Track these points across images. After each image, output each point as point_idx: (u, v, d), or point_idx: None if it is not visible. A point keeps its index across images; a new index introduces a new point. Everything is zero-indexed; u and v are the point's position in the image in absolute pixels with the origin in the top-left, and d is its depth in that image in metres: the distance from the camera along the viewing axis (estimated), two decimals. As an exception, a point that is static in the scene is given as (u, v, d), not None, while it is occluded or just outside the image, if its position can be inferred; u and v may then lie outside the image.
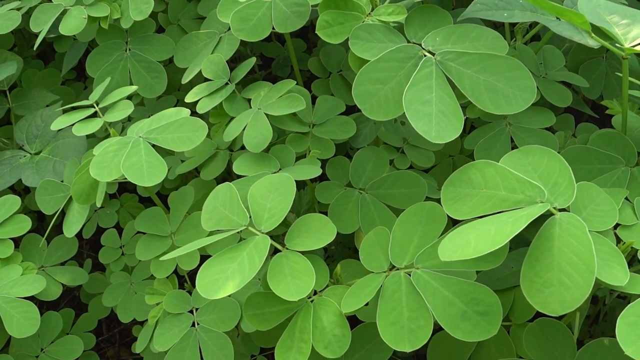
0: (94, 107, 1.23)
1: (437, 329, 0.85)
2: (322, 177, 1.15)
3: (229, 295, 0.86)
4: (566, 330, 0.94)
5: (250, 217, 0.94)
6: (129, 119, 1.45)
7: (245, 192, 0.97)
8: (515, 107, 0.89)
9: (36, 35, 1.35)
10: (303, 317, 0.92)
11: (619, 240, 0.89)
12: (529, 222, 0.74)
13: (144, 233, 1.23)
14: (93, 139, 1.42)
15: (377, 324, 0.85)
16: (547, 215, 0.79)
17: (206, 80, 1.23)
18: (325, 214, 1.08)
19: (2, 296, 1.17)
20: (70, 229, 1.22)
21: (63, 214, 1.26)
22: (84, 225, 1.33)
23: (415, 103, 0.88)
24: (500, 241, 0.73)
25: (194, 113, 1.14)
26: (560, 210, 0.81)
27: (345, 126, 1.20)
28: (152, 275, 1.21)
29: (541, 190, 0.82)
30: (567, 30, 0.97)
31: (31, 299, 1.19)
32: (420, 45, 0.96)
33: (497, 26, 1.54)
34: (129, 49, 1.43)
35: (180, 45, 1.39)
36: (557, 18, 0.99)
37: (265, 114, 1.13)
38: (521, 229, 0.73)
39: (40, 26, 1.36)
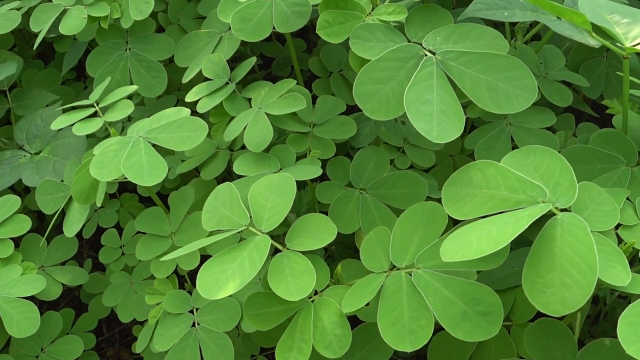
0: (94, 107, 1.23)
1: (438, 328, 0.85)
2: (323, 177, 1.14)
3: (230, 295, 0.86)
4: (567, 330, 0.94)
5: (250, 217, 0.94)
6: (129, 119, 1.45)
7: (246, 192, 0.97)
8: (516, 106, 0.89)
9: (36, 35, 1.35)
10: (304, 317, 0.92)
11: (620, 240, 0.89)
12: (530, 222, 0.74)
13: (144, 233, 1.23)
14: (93, 139, 1.42)
15: (378, 324, 0.85)
16: (548, 215, 0.79)
17: (206, 79, 1.23)
18: (326, 213, 1.08)
19: (2, 296, 1.17)
20: (71, 228, 1.21)
21: (63, 213, 1.26)
22: (84, 225, 1.33)
23: (416, 103, 0.88)
24: (502, 242, 0.72)
25: (194, 112, 1.14)
26: (562, 210, 0.81)
27: (345, 126, 1.20)
28: (152, 275, 1.21)
29: (542, 190, 0.82)
30: (567, 29, 0.97)
31: (31, 298, 1.19)
32: (421, 44, 0.96)
33: (497, 25, 1.53)
34: (129, 49, 1.43)
35: (180, 44, 1.39)
36: (558, 17, 0.99)
37: (266, 113, 1.13)
38: (523, 230, 0.73)
39: (40, 26, 1.36)
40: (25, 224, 1.28)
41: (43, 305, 1.57)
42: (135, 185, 1.27)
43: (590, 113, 1.42)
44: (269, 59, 1.74)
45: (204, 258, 1.01)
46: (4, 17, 1.39)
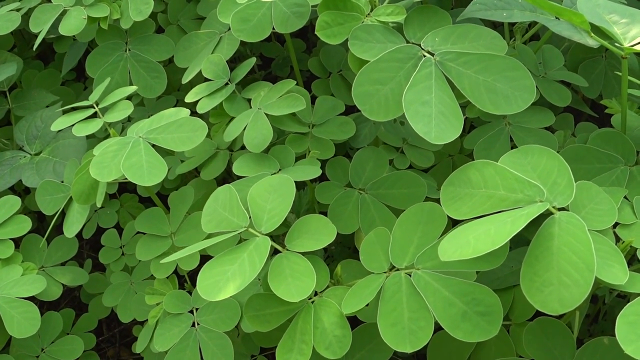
0: (94, 108, 1.23)
1: (437, 328, 0.85)
2: (322, 178, 1.15)
3: (230, 296, 0.86)
4: (566, 329, 0.95)
5: (250, 218, 0.94)
6: (129, 119, 1.45)
7: (245, 193, 0.97)
8: (514, 107, 0.90)
9: (36, 36, 1.35)
10: (304, 318, 0.92)
11: (618, 239, 0.89)
12: (528, 221, 0.75)
13: (144, 233, 1.23)
14: (93, 140, 1.42)
15: (378, 325, 0.85)
16: (546, 214, 0.79)
17: (206, 80, 1.23)
18: (325, 214, 1.09)
19: (3, 296, 1.18)
20: (71, 229, 1.22)
21: (63, 214, 1.26)
22: (84, 226, 1.33)
23: (414, 104, 0.88)
24: (499, 241, 0.73)
25: (194, 113, 1.15)
26: (560, 209, 0.81)
27: (344, 126, 1.20)
28: (152, 275, 1.21)
29: (540, 189, 0.82)
30: (566, 29, 0.97)
31: (31, 299, 1.19)
32: (419, 45, 0.96)
33: (496, 26, 1.54)
34: (129, 49, 1.43)
35: (180, 45, 1.39)
36: (556, 17, 0.99)
37: (266, 114, 1.14)
38: (520, 229, 0.73)
39: (40, 27, 1.36)
40: (25, 224, 1.28)
41: (43, 306, 1.57)
42: (135, 185, 1.27)
43: (589, 113, 1.43)
44: (268, 59, 1.74)
45: (204, 258, 1.01)
46: (4, 18, 1.39)
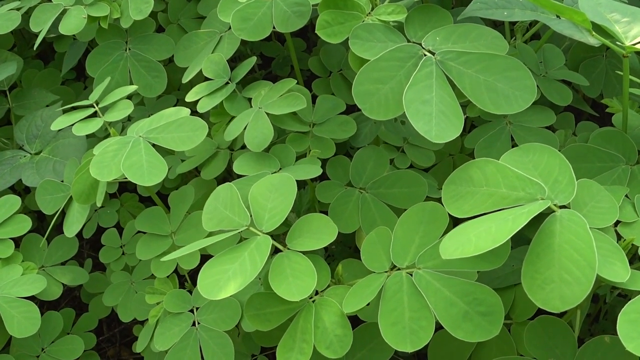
0: (94, 107, 1.23)
1: (438, 327, 0.85)
2: (323, 177, 1.15)
3: (230, 295, 0.86)
4: (567, 328, 0.95)
5: (251, 217, 0.94)
6: (129, 119, 1.45)
7: (246, 192, 0.97)
8: (515, 107, 0.89)
9: (36, 35, 1.35)
10: (304, 317, 0.92)
11: (619, 237, 0.89)
12: (529, 219, 0.75)
13: (145, 232, 1.23)
14: (93, 139, 1.42)
15: (379, 324, 0.85)
16: (547, 212, 0.79)
17: (206, 79, 1.23)
18: (326, 213, 1.08)
19: (3, 296, 1.17)
20: (71, 228, 1.22)
21: (63, 213, 1.26)
22: (84, 225, 1.33)
23: (415, 103, 0.88)
24: (500, 239, 0.73)
25: (194, 112, 1.14)
26: (561, 207, 0.81)
27: (345, 125, 1.20)
28: (152, 274, 1.21)
29: (541, 187, 0.82)
30: (567, 28, 0.97)
31: (32, 298, 1.19)
32: (420, 44, 0.96)
33: (496, 24, 1.54)
34: (129, 49, 1.43)
35: (180, 44, 1.39)
36: (557, 16, 0.99)
37: (266, 113, 1.13)
38: (522, 226, 0.73)
39: (40, 26, 1.36)
40: (25, 224, 1.28)
41: (43, 305, 1.57)
42: (136, 185, 1.27)
43: (590, 112, 1.43)
44: (268, 58, 1.74)
45: (205, 257, 1.01)
46: (4, 18, 1.39)
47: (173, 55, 1.41)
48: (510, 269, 1.00)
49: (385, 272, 0.90)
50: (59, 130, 1.33)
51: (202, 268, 0.89)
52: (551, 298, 0.75)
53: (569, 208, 0.81)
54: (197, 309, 1.14)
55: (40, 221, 1.63)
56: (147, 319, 1.20)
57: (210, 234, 1.02)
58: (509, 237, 0.73)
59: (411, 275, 0.87)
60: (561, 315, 0.93)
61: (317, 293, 0.95)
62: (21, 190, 1.59)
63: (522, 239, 0.85)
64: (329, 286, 0.96)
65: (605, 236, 0.81)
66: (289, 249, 0.93)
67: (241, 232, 0.94)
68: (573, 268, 0.74)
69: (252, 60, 1.24)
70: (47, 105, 1.54)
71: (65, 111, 1.28)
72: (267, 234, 0.92)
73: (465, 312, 0.83)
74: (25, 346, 1.29)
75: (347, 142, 1.28)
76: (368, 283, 0.90)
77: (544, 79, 1.26)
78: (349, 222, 1.12)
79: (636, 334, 0.71)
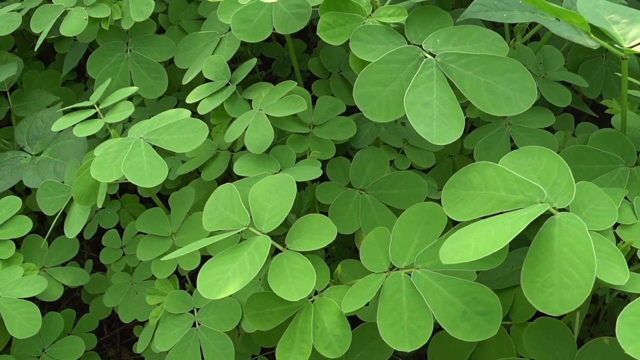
0: (95, 108, 1.23)
1: (437, 328, 0.85)
2: (323, 178, 1.15)
3: (230, 295, 0.86)
4: (566, 329, 0.95)
5: (251, 217, 0.95)
6: (130, 120, 1.46)
7: (246, 192, 0.97)
8: (515, 108, 0.90)
9: (36, 37, 1.35)
10: (304, 317, 0.93)
11: (618, 239, 0.89)
12: (528, 222, 0.75)
13: (145, 233, 1.24)
14: (94, 140, 1.42)
15: (378, 324, 0.85)
16: (546, 215, 0.79)
17: (207, 81, 1.23)
18: (326, 214, 1.09)
19: (4, 297, 1.18)
20: (71, 229, 1.22)
21: (64, 214, 1.27)
22: (85, 226, 1.33)
23: (416, 105, 0.88)
24: (500, 243, 0.73)
25: (194, 114, 1.15)
26: (560, 210, 0.81)
27: (345, 127, 1.20)
28: (153, 275, 1.21)
29: (540, 190, 0.82)
30: (566, 30, 0.97)
31: (32, 299, 1.19)
32: (421, 46, 0.96)
33: (496, 26, 1.54)
34: (130, 50, 1.43)
35: (180, 46, 1.40)
36: (557, 19, 0.99)
37: (267, 115, 1.14)
38: (521, 230, 0.74)
39: (41, 27, 1.36)
40: (26, 225, 1.29)
41: (44, 306, 1.57)
42: (136, 186, 1.27)
43: (590, 113, 1.43)
44: (268, 59, 1.74)
45: (205, 258, 1.01)
46: (5, 19, 1.40)
47: (173, 57, 1.41)
48: (510, 270, 1.00)
49: (384, 272, 0.90)
50: (60, 131, 1.34)
51: (202, 268, 0.89)
52: (551, 301, 0.75)
53: (568, 211, 0.82)
54: (197, 309, 1.14)
55: (41, 222, 1.63)
56: (148, 320, 1.20)
57: (211, 235, 1.02)
58: (508, 241, 0.73)
59: (410, 275, 0.87)
60: (560, 316, 0.94)
61: (316, 293, 0.96)
62: (22, 191, 1.59)
63: (521, 240, 0.85)
64: (328, 286, 0.97)
65: (604, 239, 0.81)
66: (288, 249, 0.94)
67: (241, 232, 0.95)
68: (572, 271, 0.75)
69: (253, 62, 1.24)
70: (48, 107, 1.54)
71: (66, 112, 1.28)
72: (266, 234, 0.92)
73: (463, 311, 0.83)
74: (26, 347, 1.29)
75: (347, 144, 1.28)
76: (367, 283, 0.90)
77: (544, 80, 1.26)
78: (349, 223, 1.12)
79: (635, 336, 0.71)
